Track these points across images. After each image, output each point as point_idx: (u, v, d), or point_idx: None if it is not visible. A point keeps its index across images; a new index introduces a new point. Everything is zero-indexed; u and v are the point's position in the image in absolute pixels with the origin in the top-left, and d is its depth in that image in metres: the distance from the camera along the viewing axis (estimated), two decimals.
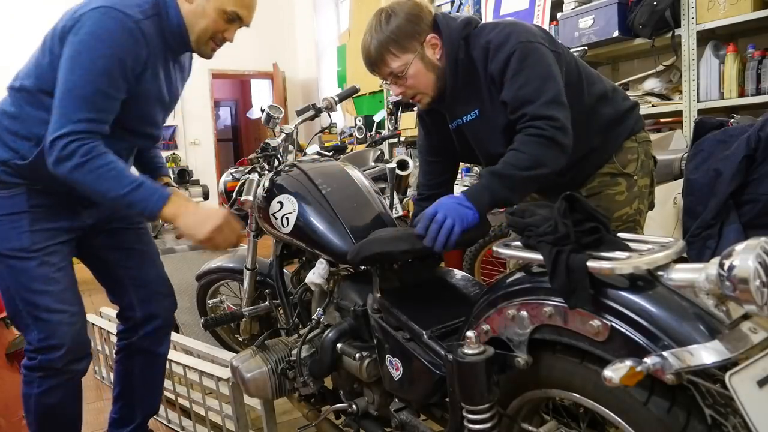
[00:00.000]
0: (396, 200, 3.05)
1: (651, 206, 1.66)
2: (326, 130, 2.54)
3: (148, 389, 1.82)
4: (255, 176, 1.68)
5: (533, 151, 1.31)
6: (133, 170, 1.85)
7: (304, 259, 1.77)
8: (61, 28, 1.37)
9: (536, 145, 1.31)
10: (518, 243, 1.05)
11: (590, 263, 0.89)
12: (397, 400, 1.37)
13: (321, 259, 1.53)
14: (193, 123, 7.59)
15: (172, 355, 2.22)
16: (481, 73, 1.45)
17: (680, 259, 0.89)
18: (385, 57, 1.46)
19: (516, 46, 1.37)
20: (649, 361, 0.79)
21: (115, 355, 1.81)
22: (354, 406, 1.48)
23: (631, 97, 1.66)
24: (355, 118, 5.70)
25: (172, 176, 1.76)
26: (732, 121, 2.24)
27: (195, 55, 1.61)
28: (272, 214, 1.61)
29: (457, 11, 4.16)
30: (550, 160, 1.31)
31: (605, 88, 1.56)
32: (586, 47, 2.94)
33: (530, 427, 1.11)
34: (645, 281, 0.89)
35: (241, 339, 2.22)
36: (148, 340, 1.76)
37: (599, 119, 1.52)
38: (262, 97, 9.38)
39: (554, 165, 1.32)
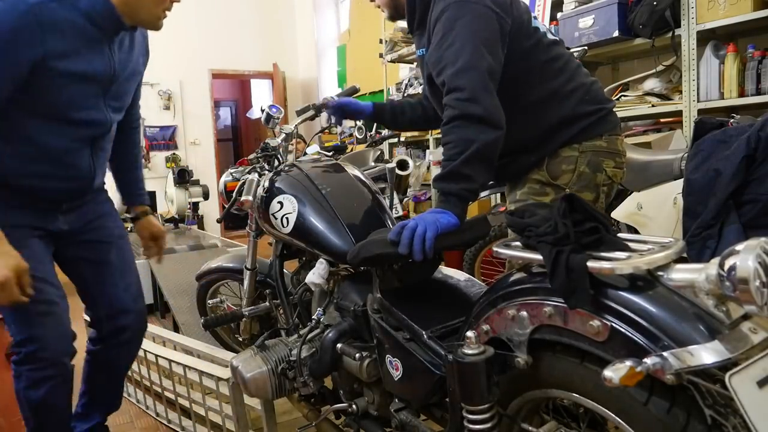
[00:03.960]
0: (396, 200, 3.06)
1: None
2: (326, 130, 2.54)
3: (109, 392, 1.87)
4: (255, 176, 1.69)
5: (454, 136, 1.30)
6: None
7: (304, 259, 1.77)
8: None
9: (453, 129, 1.30)
10: (518, 243, 1.05)
11: (590, 263, 0.89)
12: (397, 400, 1.37)
13: (321, 259, 1.53)
14: (193, 123, 7.59)
15: (173, 355, 2.22)
16: (429, 19, 1.46)
17: (680, 259, 0.89)
18: None
19: (450, 4, 1.36)
20: (649, 361, 0.79)
21: (85, 354, 1.81)
22: (354, 406, 1.48)
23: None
24: None
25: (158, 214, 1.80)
26: (732, 121, 2.23)
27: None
28: (272, 214, 1.61)
29: None
30: (474, 134, 1.28)
31: (565, 88, 1.47)
32: (586, 47, 2.94)
33: (530, 427, 1.11)
34: (645, 281, 0.89)
35: (241, 339, 2.22)
36: (113, 352, 1.77)
37: (543, 118, 1.47)
38: (262, 97, 9.38)
39: (484, 136, 1.28)
